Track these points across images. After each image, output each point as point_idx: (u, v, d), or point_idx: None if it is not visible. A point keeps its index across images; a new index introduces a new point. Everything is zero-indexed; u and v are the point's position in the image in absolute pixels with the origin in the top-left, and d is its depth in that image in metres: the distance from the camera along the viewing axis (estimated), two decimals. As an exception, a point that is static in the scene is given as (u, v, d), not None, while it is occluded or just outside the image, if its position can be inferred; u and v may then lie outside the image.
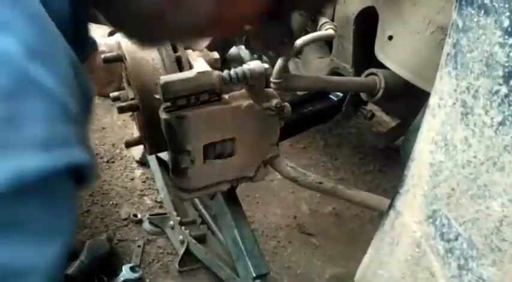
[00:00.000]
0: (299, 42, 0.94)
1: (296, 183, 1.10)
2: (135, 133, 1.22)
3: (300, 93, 1.41)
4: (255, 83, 0.82)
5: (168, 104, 0.77)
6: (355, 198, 1.10)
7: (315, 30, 1.04)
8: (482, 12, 0.42)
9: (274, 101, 0.84)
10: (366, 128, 2.21)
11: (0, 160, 0.30)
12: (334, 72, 1.31)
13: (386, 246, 0.55)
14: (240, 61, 0.93)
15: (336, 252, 1.53)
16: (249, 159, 0.89)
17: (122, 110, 0.86)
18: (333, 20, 1.20)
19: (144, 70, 0.84)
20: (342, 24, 1.18)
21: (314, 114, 1.30)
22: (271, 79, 0.89)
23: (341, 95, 1.32)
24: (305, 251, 1.52)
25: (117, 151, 1.64)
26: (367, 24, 1.13)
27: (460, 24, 0.44)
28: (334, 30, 1.01)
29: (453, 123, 0.45)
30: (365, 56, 1.19)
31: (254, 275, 1.03)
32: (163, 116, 0.78)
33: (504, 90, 0.42)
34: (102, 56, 0.88)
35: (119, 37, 0.93)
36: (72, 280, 1.08)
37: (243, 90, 0.84)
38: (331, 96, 1.33)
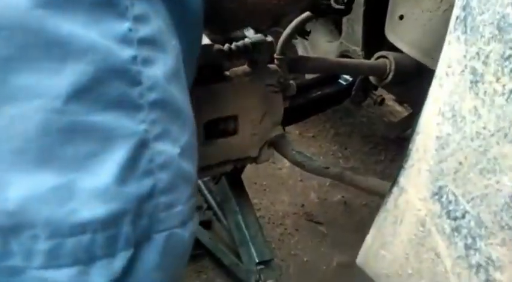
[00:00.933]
0: (298, 19, 0.92)
1: (302, 168, 1.07)
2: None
3: (308, 76, 1.38)
4: (257, 57, 0.79)
5: None
6: (362, 184, 1.07)
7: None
8: (495, -30, 0.39)
9: (278, 77, 0.81)
10: (377, 117, 2.17)
11: None
12: (344, 55, 1.28)
13: (389, 226, 0.52)
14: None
15: (344, 240, 1.50)
16: (252, 138, 0.87)
17: None
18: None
19: None
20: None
21: (322, 99, 1.27)
22: (275, 55, 0.86)
23: (350, 79, 1.29)
24: (312, 239, 1.50)
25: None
26: (377, 5, 1.09)
27: (471, -16, 0.41)
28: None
29: (462, 93, 0.42)
30: (375, 38, 1.15)
31: (257, 260, 1.01)
32: None
33: (517, 54, 0.38)
34: None
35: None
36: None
37: (245, 66, 0.82)
38: (340, 80, 1.30)
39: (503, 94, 0.40)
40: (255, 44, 0.79)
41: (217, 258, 1.20)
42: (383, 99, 1.27)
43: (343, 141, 2.03)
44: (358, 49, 1.21)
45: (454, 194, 0.44)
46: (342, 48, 1.25)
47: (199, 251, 1.24)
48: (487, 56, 0.40)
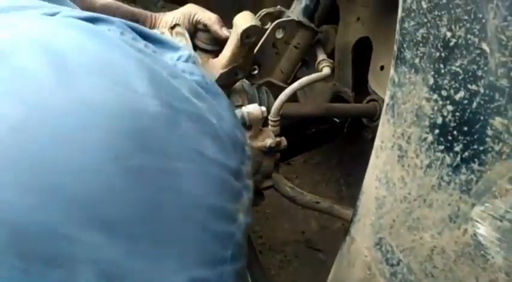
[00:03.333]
0: (295, 85, 0.98)
1: (294, 202, 1.17)
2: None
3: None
4: (252, 124, 0.88)
5: None
6: (349, 217, 1.16)
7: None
8: (413, 70, 0.49)
9: (269, 141, 0.91)
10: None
11: None
12: (337, 95, 1.38)
13: (345, 268, 0.61)
14: (242, 92, 1.00)
15: (341, 267, 1.58)
16: None
17: None
18: (333, 48, 1.27)
19: None
20: (342, 51, 1.25)
21: (317, 136, 1.36)
22: (270, 117, 0.95)
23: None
24: (311, 266, 1.57)
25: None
26: (364, 52, 1.19)
27: (396, 79, 0.51)
28: (332, 68, 1.07)
29: (392, 164, 0.52)
30: (364, 82, 1.25)
31: (252, 288, 1.10)
32: None
33: (430, 138, 0.48)
34: None
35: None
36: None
37: None
38: (334, 118, 1.40)
39: (421, 168, 0.49)
40: (250, 114, 0.87)
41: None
42: (373, 137, 1.36)
43: (346, 169, 2.09)
44: (349, 91, 1.30)
45: (390, 245, 0.54)
46: (335, 89, 1.36)
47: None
48: (409, 137, 0.50)
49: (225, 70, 0.93)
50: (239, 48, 0.91)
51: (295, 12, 1.03)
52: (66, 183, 0.30)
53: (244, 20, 0.90)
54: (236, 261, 0.37)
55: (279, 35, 1.02)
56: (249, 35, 0.89)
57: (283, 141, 0.96)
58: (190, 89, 0.39)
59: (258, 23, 0.90)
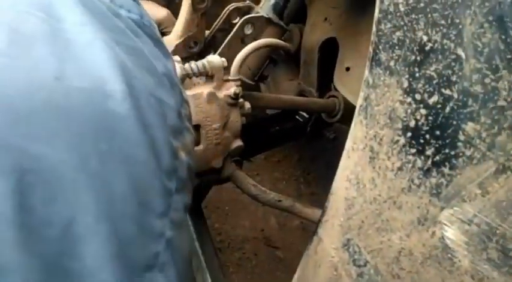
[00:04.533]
0: (253, 44, 0.96)
1: (257, 200, 1.16)
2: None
3: (269, 111, 1.48)
4: (214, 74, 0.87)
5: None
6: (311, 216, 1.16)
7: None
8: (388, 72, 0.49)
9: (233, 89, 0.89)
10: (341, 144, 2.28)
11: None
12: (301, 94, 1.38)
13: (311, 269, 0.61)
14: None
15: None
16: (213, 148, 0.94)
17: None
18: (300, 48, 1.27)
19: None
20: (307, 51, 1.25)
21: (280, 134, 1.36)
22: (229, 77, 0.94)
23: (307, 116, 1.39)
24: (269, 264, 1.58)
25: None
26: (329, 54, 1.20)
27: (370, 81, 0.51)
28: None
29: (363, 165, 0.52)
30: (329, 82, 1.26)
31: (211, 286, 1.08)
32: None
33: (402, 140, 0.49)
34: None
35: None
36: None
37: (204, 81, 0.90)
38: (297, 117, 1.40)
39: (392, 170, 0.50)
40: (211, 62, 0.87)
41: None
42: (335, 137, 1.38)
43: (306, 166, 2.11)
44: (313, 90, 1.31)
45: (358, 246, 0.54)
46: (300, 88, 1.36)
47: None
48: (381, 139, 0.50)
49: (180, 40, 0.92)
50: (192, 15, 0.91)
51: (264, 9, 1.03)
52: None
53: None
54: (181, 195, 0.36)
55: (248, 30, 1.01)
56: (200, 1, 0.89)
57: (247, 103, 0.95)
58: (127, 25, 0.38)
59: None
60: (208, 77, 0.89)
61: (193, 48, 0.96)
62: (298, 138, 1.43)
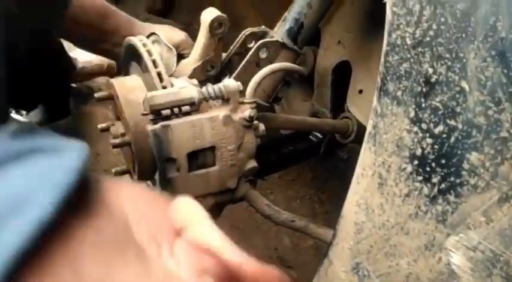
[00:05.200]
0: (267, 69, 0.97)
1: (270, 220, 1.18)
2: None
3: (283, 132, 1.50)
4: (230, 97, 0.90)
5: (153, 116, 0.86)
6: (325, 237, 1.17)
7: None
8: (395, 102, 0.51)
9: (248, 112, 0.91)
10: (355, 163, 2.28)
11: None
12: (315, 115, 1.41)
13: (321, 291, 0.63)
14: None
15: (312, 285, 1.59)
16: (228, 169, 0.96)
17: (115, 146, 0.94)
18: (313, 70, 1.30)
19: (136, 109, 0.93)
20: (321, 73, 1.28)
21: (293, 154, 1.38)
22: (244, 100, 0.96)
23: (321, 137, 1.41)
24: (282, 283, 1.58)
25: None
26: (344, 75, 1.23)
27: (379, 110, 0.53)
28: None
29: (372, 191, 0.54)
30: (342, 103, 1.28)
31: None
32: (149, 127, 0.87)
33: (409, 168, 0.50)
34: (96, 95, 0.97)
35: (112, 79, 1.02)
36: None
37: (221, 103, 0.93)
38: (311, 137, 1.42)
39: (400, 196, 0.51)
40: (227, 87, 0.89)
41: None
42: (348, 157, 1.39)
43: (320, 185, 2.11)
44: (327, 111, 1.33)
45: (367, 270, 0.55)
46: (313, 109, 1.38)
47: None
48: (389, 166, 0.52)
49: (198, 64, 0.95)
50: (209, 40, 0.94)
51: (279, 33, 1.06)
52: None
53: (210, 13, 0.94)
54: None
55: (263, 54, 1.04)
56: (217, 26, 0.92)
57: (262, 125, 0.96)
58: None
59: (225, 15, 0.94)
60: (224, 100, 0.92)
61: (210, 71, 0.99)
62: (311, 158, 1.45)
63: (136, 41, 0.95)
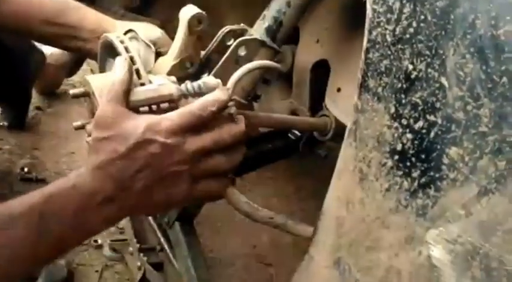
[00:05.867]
0: (248, 66, 0.95)
1: (249, 217, 1.18)
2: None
3: (262, 129, 1.51)
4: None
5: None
6: (304, 234, 1.18)
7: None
8: (376, 98, 0.52)
9: (227, 110, 0.90)
10: (333, 160, 2.29)
11: None
12: (294, 113, 1.41)
13: (303, 286, 0.63)
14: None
15: (290, 282, 1.60)
16: None
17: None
18: (292, 68, 1.30)
19: None
20: (299, 71, 1.28)
21: (272, 152, 1.38)
22: None
23: (299, 134, 1.41)
24: (260, 280, 1.59)
25: (85, 176, 1.69)
26: (322, 74, 1.23)
27: (359, 106, 0.53)
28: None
29: (353, 186, 0.54)
30: (320, 102, 1.29)
31: (203, 303, 1.10)
32: None
33: (390, 163, 0.51)
34: (71, 92, 0.95)
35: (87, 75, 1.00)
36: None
37: None
38: (289, 135, 1.43)
39: (380, 191, 0.52)
40: (207, 84, 0.88)
41: (167, 299, 1.28)
42: (327, 154, 1.40)
43: (298, 183, 2.13)
44: (305, 109, 1.34)
45: (348, 264, 0.56)
46: (292, 107, 1.38)
47: (150, 292, 1.31)
48: (370, 161, 0.53)
49: (176, 61, 0.95)
50: (188, 37, 0.93)
51: (258, 31, 1.05)
52: None
53: (189, 10, 0.93)
54: None
55: (242, 52, 1.04)
56: (196, 23, 0.92)
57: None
58: None
59: (204, 13, 0.93)
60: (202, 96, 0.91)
61: (189, 69, 0.98)
62: (290, 155, 1.45)
63: (113, 37, 0.93)
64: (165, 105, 0.88)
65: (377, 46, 0.50)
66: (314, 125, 1.26)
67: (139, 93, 0.86)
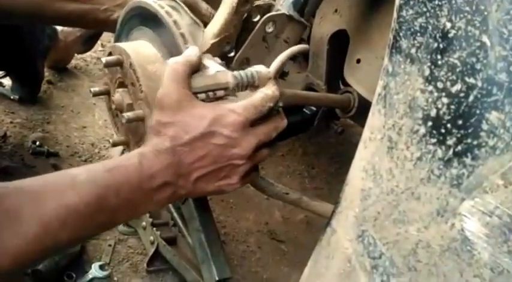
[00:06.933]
0: (294, 48, 0.92)
1: (264, 193, 1.15)
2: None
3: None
4: (259, 84, 0.86)
5: None
6: (318, 209, 1.15)
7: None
8: (409, 60, 0.48)
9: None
10: (345, 139, 2.26)
11: None
12: (309, 87, 1.37)
13: (323, 260, 0.60)
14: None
15: (303, 259, 1.57)
16: None
17: (129, 121, 0.85)
18: (309, 38, 1.26)
19: (156, 84, 0.86)
20: (316, 43, 1.24)
21: (287, 127, 1.35)
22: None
23: (314, 109, 1.38)
24: (273, 257, 1.57)
25: (96, 151, 1.68)
26: (340, 46, 1.19)
27: (390, 69, 0.50)
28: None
29: (381, 155, 0.51)
30: (337, 75, 1.25)
31: (217, 278, 1.08)
32: None
33: (422, 130, 0.48)
34: (103, 59, 0.90)
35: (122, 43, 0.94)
36: (40, 275, 1.12)
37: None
38: (305, 110, 1.39)
39: (411, 160, 0.49)
40: (259, 73, 0.85)
41: (180, 274, 1.27)
42: (343, 130, 1.37)
43: (310, 161, 2.10)
44: (321, 83, 1.30)
45: (373, 237, 0.53)
46: (308, 81, 1.35)
47: (163, 267, 1.30)
48: (400, 128, 0.49)
49: (216, 40, 0.91)
50: (232, 17, 0.90)
51: (284, 6, 1.01)
52: None
53: None
54: None
55: (269, 29, 0.99)
56: (244, 2, 0.88)
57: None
58: None
59: None
60: (253, 87, 0.87)
61: (225, 47, 0.94)
62: (305, 131, 1.42)
63: (156, 5, 0.88)
64: (221, 92, 0.85)
65: (411, 2, 0.46)
66: (338, 102, 1.22)
67: (199, 80, 0.83)
